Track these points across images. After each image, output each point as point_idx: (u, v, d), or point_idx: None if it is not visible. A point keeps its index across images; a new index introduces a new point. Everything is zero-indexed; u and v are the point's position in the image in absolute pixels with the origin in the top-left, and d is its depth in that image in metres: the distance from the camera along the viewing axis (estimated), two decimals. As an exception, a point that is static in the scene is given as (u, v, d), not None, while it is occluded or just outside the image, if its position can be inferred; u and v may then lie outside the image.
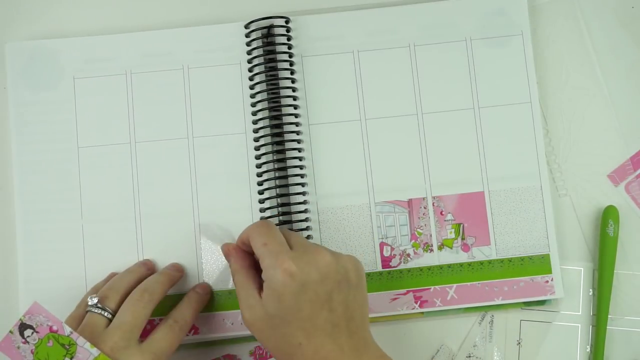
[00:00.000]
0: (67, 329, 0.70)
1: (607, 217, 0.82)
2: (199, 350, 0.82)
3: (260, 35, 0.82)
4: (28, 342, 0.71)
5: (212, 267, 0.80)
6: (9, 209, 0.82)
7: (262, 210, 0.80)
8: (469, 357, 0.82)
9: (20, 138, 0.81)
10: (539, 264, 0.81)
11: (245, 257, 0.74)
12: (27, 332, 0.71)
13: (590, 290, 0.83)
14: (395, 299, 0.81)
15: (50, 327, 0.71)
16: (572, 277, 0.83)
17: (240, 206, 0.80)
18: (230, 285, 0.80)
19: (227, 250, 0.75)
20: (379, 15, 0.83)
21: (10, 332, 0.70)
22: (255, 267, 0.72)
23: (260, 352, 0.82)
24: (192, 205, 0.80)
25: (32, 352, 0.70)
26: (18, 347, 0.70)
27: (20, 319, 0.71)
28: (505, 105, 0.82)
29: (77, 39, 0.83)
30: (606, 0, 0.87)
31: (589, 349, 0.82)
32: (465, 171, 0.82)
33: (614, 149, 0.85)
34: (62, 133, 0.81)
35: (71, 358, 0.70)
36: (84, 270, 0.79)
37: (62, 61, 0.82)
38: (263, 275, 0.69)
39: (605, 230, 0.82)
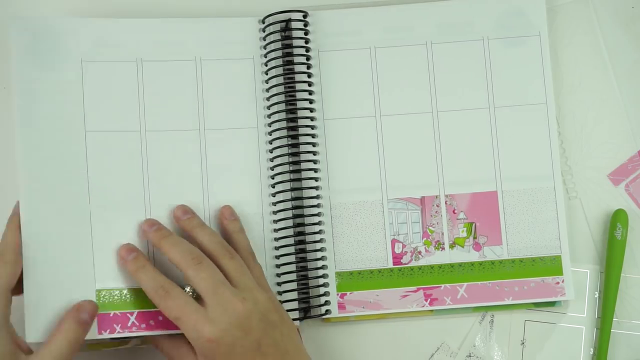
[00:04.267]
0: None
1: (616, 221, 0.83)
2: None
3: (277, 29, 0.82)
4: None
5: None
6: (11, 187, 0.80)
7: (273, 204, 0.80)
8: (469, 356, 0.82)
9: (26, 117, 0.78)
10: (550, 265, 0.81)
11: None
12: None
13: (596, 292, 0.83)
14: (406, 296, 0.81)
15: None
16: (578, 279, 0.83)
17: (251, 201, 0.80)
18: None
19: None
20: (397, 12, 0.83)
21: None
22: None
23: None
24: (203, 198, 0.80)
25: None
26: None
27: None
28: (520, 106, 0.83)
29: (86, 20, 0.80)
30: (619, 2, 0.87)
31: (592, 352, 0.82)
32: (478, 170, 0.82)
33: (625, 152, 0.85)
34: (68, 114, 0.79)
35: None
36: (92, 257, 0.77)
37: (68, 42, 0.79)
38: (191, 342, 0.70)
39: (613, 233, 0.82)
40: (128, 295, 0.77)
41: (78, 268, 0.77)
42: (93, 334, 0.75)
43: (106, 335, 0.75)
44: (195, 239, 0.75)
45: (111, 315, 0.76)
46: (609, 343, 0.82)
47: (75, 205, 0.77)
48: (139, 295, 0.76)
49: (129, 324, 0.76)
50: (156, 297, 0.72)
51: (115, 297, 0.77)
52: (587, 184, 0.85)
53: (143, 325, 0.76)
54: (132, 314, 0.76)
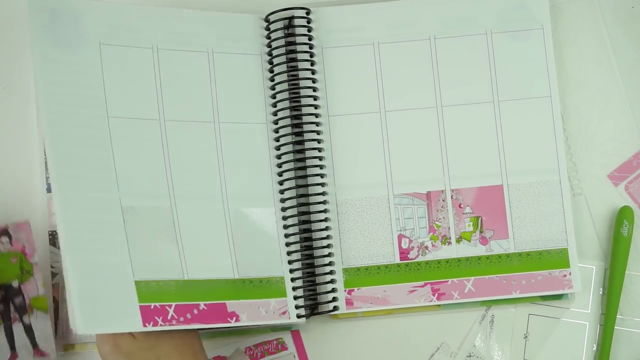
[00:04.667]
0: (36, 258, 0.73)
1: (622, 218, 0.83)
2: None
3: (281, 26, 0.82)
4: None
5: (244, 252, 0.79)
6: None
7: (282, 200, 0.80)
8: (469, 356, 0.82)
9: (47, 98, 0.76)
10: (557, 258, 0.81)
11: None
12: (4, 239, 0.78)
13: (601, 289, 0.83)
14: (413, 291, 0.81)
15: (24, 248, 0.75)
16: (583, 275, 0.83)
17: (263, 194, 0.80)
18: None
19: None
20: (400, 7, 0.84)
21: None
22: None
23: (251, 352, 0.82)
24: (221, 190, 0.79)
25: None
26: None
27: (7, 225, 0.78)
28: (524, 99, 0.83)
29: (102, 2, 0.80)
30: (620, 2, 0.88)
31: (595, 348, 0.82)
32: (484, 164, 0.82)
33: (630, 150, 0.85)
34: (89, 98, 0.77)
35: (20, 282, 0.75)
36: (127, 248, 0.76)
37: (86, 23, 0.78)
38: None
39: (619, 230, 0.82)
40: (164, 287, 0.75)
41: (115, 258, 0.75)
42: (138, 326, 0.73)
43: (150, 327, 0.73)
44: None
45: (152, 307, 0.74)
46: (612, 339, 0.82)
47: (106, 192, 0.76)
48: (174, 287, 0.76)
49: (169, 317, 0.75)
50: None
51: (153, 289, 0.75)
52: (592, 181, 0.85)
53: (182, 319, 0.75)
54: (170, 306, 0.75)
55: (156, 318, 0.74)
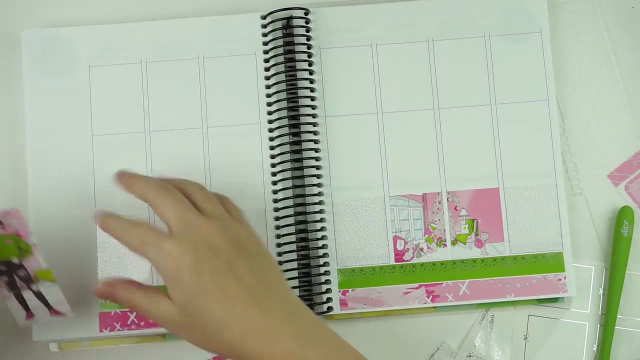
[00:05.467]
0: (32, 240, 0.72)
1: (622, 218, 0.82)
2: (188, 351, 0.81)
3: (278, 26, 0.82)
4: None
5: None
6: (22, 194, 0.82)
7: (275, 200, 0.80)
8: (470, 356, 0.82)
9: (35, 125, 0.81)
10: (552, 262, 0.81)
11: (126, 283, 0.69)
12: None
13: (601, 289, 0.83)
14: (408, 292, 0.81)
15: (17, 231, 0.74)
16: (583, 275, 0.83)
17: (254, 196, 0.80)
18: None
19: (106, 291, 0.69)
20: (399, 8, 0.83)
21: None
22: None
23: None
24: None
25: None
26: None
27: None
28: (522, 102, 0.82)
29: (93, 27, 0.83)
30: (619, 2, 0.87)
31: (595, 348, 0.82)
32: (480, 167, 0.82)
33: (630, 150, 0.85)
34: (76, 121, 0.81)
35: (19, 259, 0.74)
36: (96, 259, 0.79)
37: (77, 50, 0.82)
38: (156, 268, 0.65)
39: (619, 230, 0.82)
40: None
41: (84, 270, 0.80)
42: (94, 332, 0.78)
43: (107, 333, 0.78)
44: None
45: (112, 314, 0.78)
46: (613, 340, 0.81)
47: (82, 205, 0.80)
48: None
49: (129, 322, 0.78)
50: (120, 231, 0.67)
51: None
52: (592, 181, 0.85)
53: (142, 323, 0.78)
54: (131, 312, 0.78)
55: (114, 323, 0.78)
